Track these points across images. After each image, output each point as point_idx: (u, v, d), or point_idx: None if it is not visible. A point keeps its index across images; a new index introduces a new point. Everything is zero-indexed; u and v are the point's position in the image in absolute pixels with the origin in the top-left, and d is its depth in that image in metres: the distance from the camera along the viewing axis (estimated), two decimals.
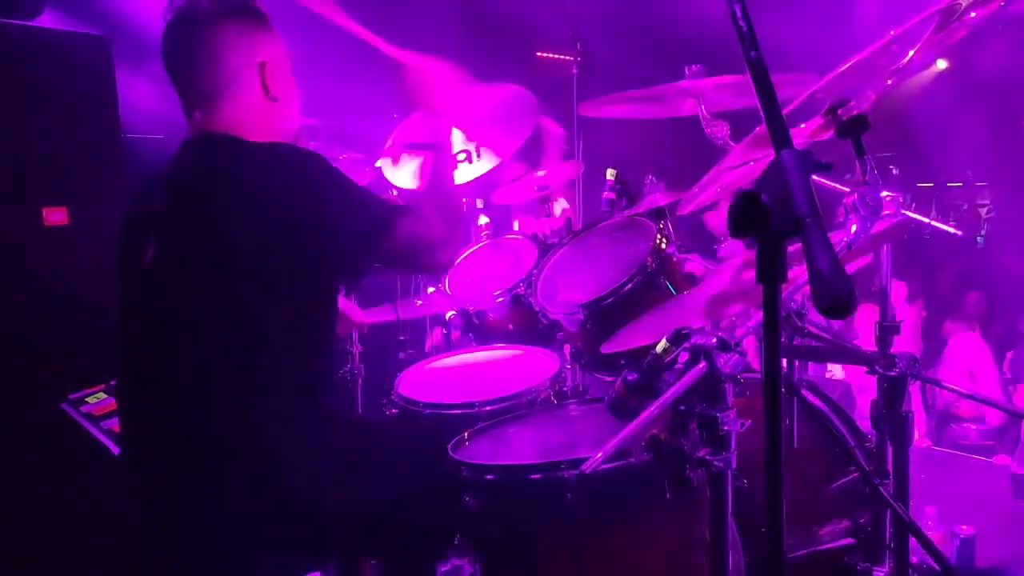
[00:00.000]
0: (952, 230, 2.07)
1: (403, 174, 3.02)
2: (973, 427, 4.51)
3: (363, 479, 1.79)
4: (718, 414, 1.29)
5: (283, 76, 1.81)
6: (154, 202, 1.73)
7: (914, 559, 1.94)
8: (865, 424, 2.00)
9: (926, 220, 1.99)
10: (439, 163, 1.90)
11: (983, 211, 6.58)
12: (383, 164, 3.03)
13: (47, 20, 3.26)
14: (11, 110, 2.97)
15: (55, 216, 3.06)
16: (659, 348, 1.37)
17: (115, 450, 2.59)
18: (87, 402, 2.74)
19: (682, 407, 1.34)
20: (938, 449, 4.11)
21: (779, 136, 0.96)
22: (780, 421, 1.00)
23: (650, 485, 1.60)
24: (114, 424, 2.66)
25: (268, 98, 1.78)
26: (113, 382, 2.83)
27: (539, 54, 5.56)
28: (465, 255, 3.07)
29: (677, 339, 1.35)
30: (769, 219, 0.94)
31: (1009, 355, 4.66)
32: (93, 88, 3.21)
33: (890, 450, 1.91)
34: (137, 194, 1.83)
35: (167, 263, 1.69)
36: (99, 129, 3.23)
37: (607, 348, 1.83)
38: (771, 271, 0.97)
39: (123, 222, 1.84)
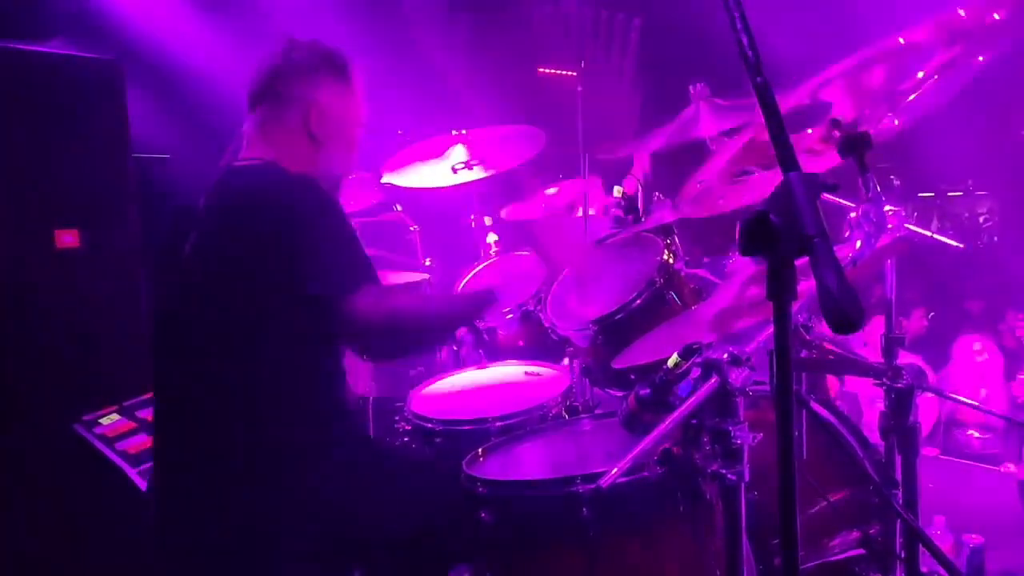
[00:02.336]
0: (953, 243, 2.08)
1: (413, 178, 3.04)
2: (977, 434, 4.49)
3: (379, 497, 1.81)
4: (730, 427, 1.31)
5: (333, 123, 1.89)
6: (192, 219, 1.81)
7: (924, 569, 1.95)
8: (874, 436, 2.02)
9: (928, 233, 2.00)
10: (484, 307, 1.95)
11: (981, 219, 6.63)
12: (389, 179, 3.07)
13: (59, 44, 3.30)
14: (24, 133, 3.01)
15: (66, 239, 3.09)
16: (671, 363, 1.39)
17: (129, 471, 2.61)
18: (100, 423, 2.77)
19: (694, 421, 1.36)
20: (946, 458, 4.11)
21: (786, 159, 0.99)
22: (792, 435, 1.02)
23: (664, 498, 1.63)
24: (127, 445, 2.69)
25: (309, 136, 1.87)
26: (126, 403, 2.87)
27: (541, 70, 5.59)
28: (475, 272, 3.10)
29: (688, 354, 1.37)
30: (778, 239, 0.97)
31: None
32: (104, 111, 3.24)
33: (899, 460, 1.93)
34: (180, 209, 1.92)
35: (195, 281, 1.76)
36: (110, 152, 3.26)
37: (618, 363, 1.85)
38: (781, 289, 1.00)
39: (164, 235, 1.92)
